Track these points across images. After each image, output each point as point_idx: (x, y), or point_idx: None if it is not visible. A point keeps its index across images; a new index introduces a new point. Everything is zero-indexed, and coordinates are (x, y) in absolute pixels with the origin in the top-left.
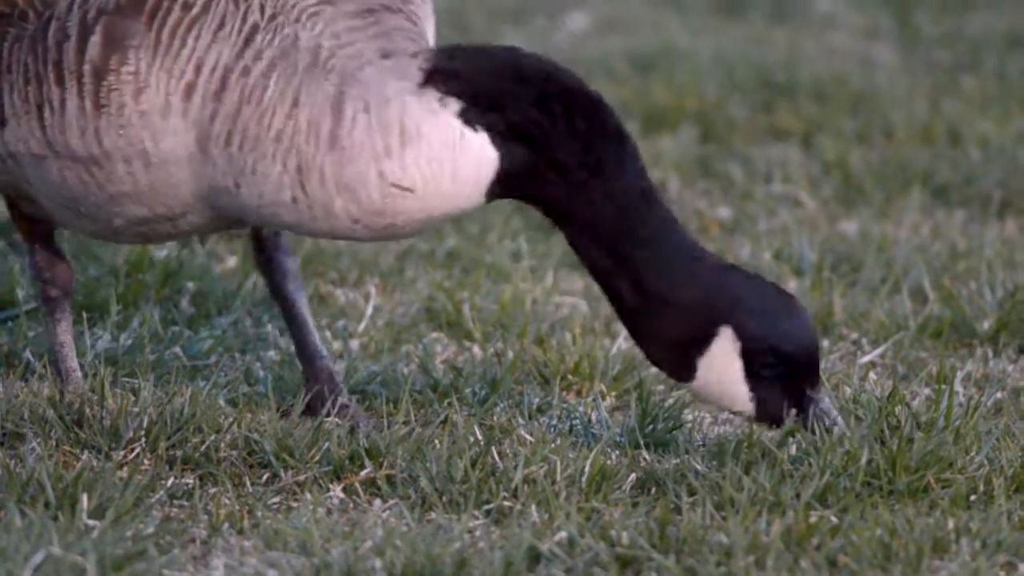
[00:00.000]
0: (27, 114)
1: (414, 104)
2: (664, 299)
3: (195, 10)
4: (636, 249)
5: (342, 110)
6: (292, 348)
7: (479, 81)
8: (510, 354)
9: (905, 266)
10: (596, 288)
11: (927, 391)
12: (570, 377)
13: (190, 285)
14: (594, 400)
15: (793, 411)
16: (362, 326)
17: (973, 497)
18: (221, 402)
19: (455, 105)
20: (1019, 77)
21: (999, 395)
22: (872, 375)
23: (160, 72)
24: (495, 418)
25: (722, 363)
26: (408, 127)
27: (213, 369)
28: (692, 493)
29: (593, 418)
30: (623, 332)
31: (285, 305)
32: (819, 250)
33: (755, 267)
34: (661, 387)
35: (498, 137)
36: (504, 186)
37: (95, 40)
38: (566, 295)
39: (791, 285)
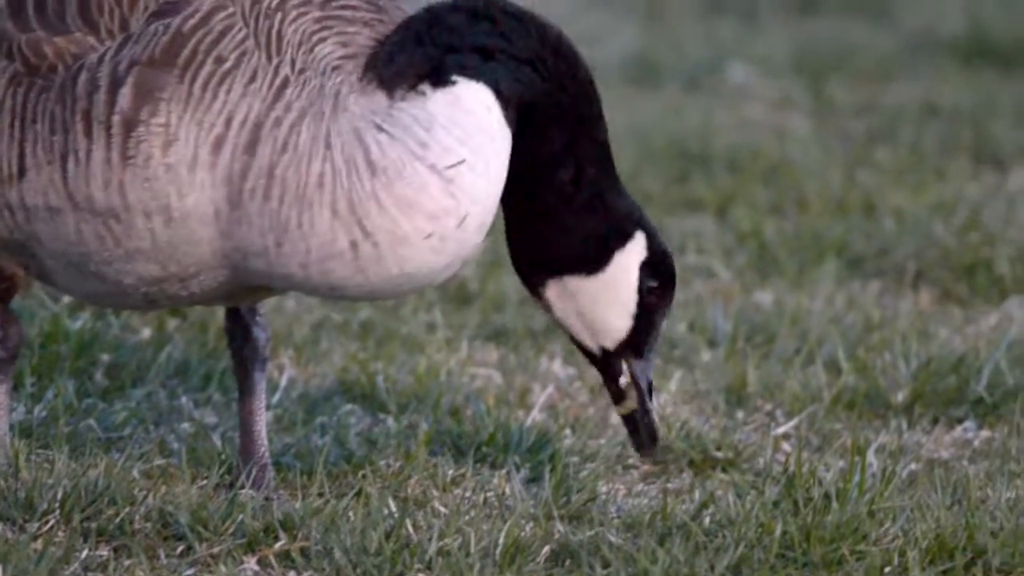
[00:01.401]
0: (50, 164)
1: (406, 104)
2: (599, 193)
3: (227, 64)
4: (588, 142)
5: (365, 140)
6: (207, 420)
7: (420, 52)
8: (424, 426)
9: (819, 337)
10: (511, 359)
11: (841, 463)
12: (484, 449)
13: (104, 357)
14: (508, 472)
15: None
16: (276, 398)
17: (888, 569)
18: (135, 474)
19: (427, 84)
20: (934, 148)
21: (913, 466)
22: (786, 446)
23: (190, 125)
24: (409, 490)
25: (629, 264)
26: (420, 118)
27: (127, 441)
28: (606, 565)
29: (507, 490)
30: (538, 403)
31: (244, 386)
32: (733, 321)
33: (669, 338)
34: (575, 459)
35: (470, 72)
36: (508, 108)
37: (126, 91)
38: (481, 366)
39: (705, 357)
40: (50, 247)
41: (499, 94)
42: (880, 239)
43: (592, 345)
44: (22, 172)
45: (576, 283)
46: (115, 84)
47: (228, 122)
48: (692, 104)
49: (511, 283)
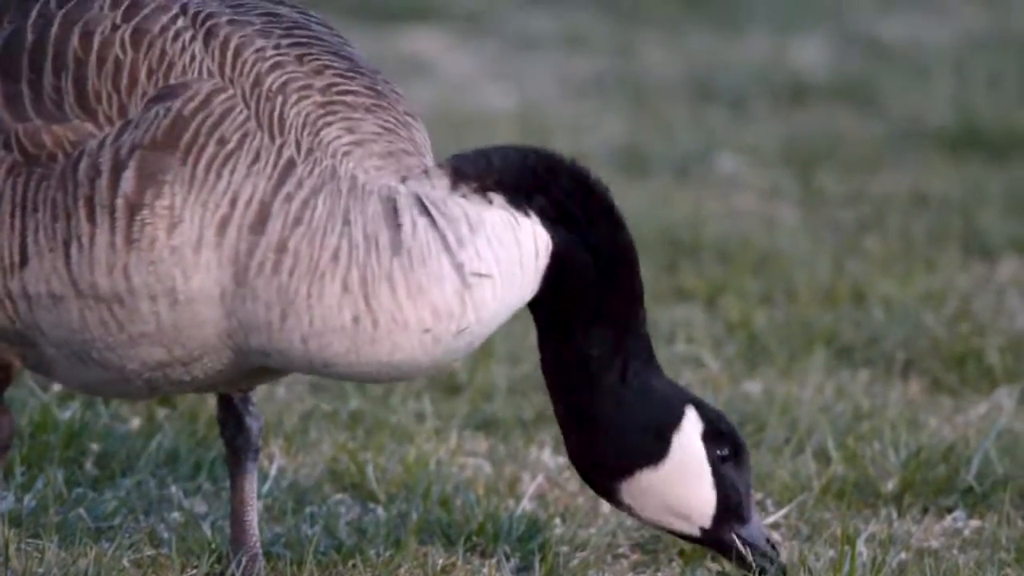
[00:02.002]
0: (52, 251)
1: (463, 200)
2: (645, 384)
3: (230, 145)
4: (632, 337)
5: (398, 221)
6: (197, 509)
7: (513, 172)
8: (414, 515)
9: (809, 427)
10: (500, 449)
11: (831, 552)
12: (475, 538)
13: (94, 446)
14: (499, 561)
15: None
16: (266, 487)
17: None
18: (126, 563)
19: (499, 197)
20: (922, 237)
21: (903, 556)
22: (776, 535)
23: (195, 206)
24: None
25: (690, 441)
26: (471, 216)
27: (117, 531)
28: None
29: None
30: (528, 492)
31: (236, 475)
32: (723, 411)
33: None
34: (565, 548)
35: (546, 220)
36: (551, 269)
37: (129, 175)
38: (470, 456)
39: None
40: (52, 335)
41: (555, 254)
42: (869, 328)
43: (692, 530)
44: (24, 261)
45: (647, 478)
46: (117, 168)
47: (233, 202)
48: (681, 193)
49: (500, 372)
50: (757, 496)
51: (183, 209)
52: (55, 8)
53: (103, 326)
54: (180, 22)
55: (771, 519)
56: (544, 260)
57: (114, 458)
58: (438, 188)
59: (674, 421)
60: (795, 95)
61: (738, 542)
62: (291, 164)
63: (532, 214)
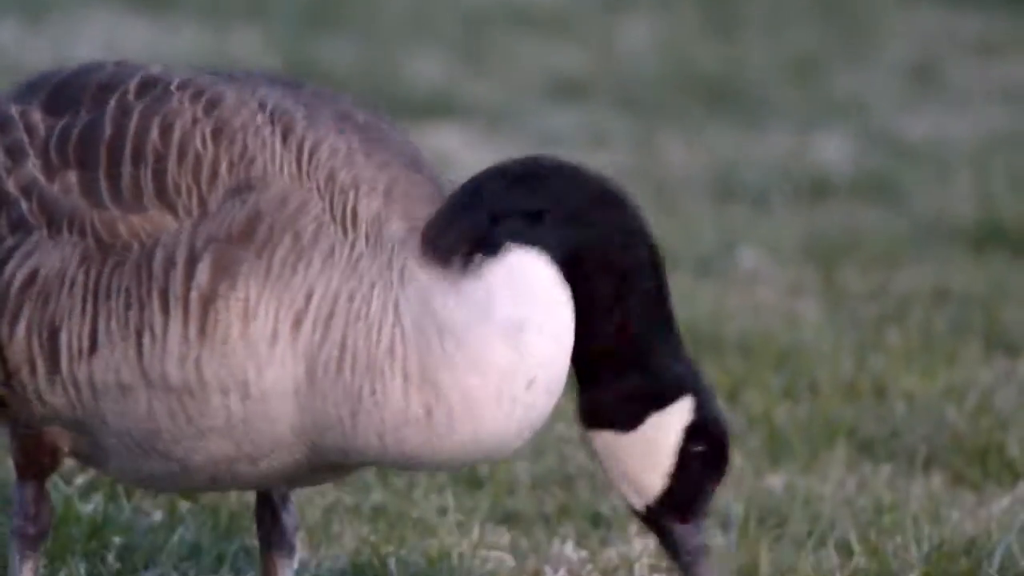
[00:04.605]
0: (123, 340)
1: (464, 275)
2: (644, 352)
3: (305, 240)
4: (638, 296)
5: (433, 306)
6: None
7: (464, 221)
8: None
9: (831, 520)
10: (522, 543)
11: None
12: None
13: (116, 539)
14: None
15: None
16: None
17: None
18: None
19: (475, 250)
20: (944, 332)
21: None
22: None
23: (270, 300)
24: None
25: (668, 426)
26: (479, 287)
27: None
28: None
29: None
30: None
31: (268, 572)
32: (745, 505)
33: None
34: None
35: (517, 236)
36: (559, 265)
37: (204, 267)
38: (493, 549)
39: (718, 540)
40: (115, 426)
41: (550, 256)
42: (891, 423)
43: (638, 504)
44: (93, 348)
45: (612, 439)
46: (192, 260)
47: (308, 297)
48: (703, 289)
49: (523, 467)
50: None
51: (258, 303)
52: (133, 100)
53: (171, 418)
54: (260, 118)
55: None
56: (551, 272)
57: (136, 551)
58: (437, 272)
59: (659, 404)
60: (817, 191)
61: (673, 535)
62: (360, 258)
63: (510, 247)
